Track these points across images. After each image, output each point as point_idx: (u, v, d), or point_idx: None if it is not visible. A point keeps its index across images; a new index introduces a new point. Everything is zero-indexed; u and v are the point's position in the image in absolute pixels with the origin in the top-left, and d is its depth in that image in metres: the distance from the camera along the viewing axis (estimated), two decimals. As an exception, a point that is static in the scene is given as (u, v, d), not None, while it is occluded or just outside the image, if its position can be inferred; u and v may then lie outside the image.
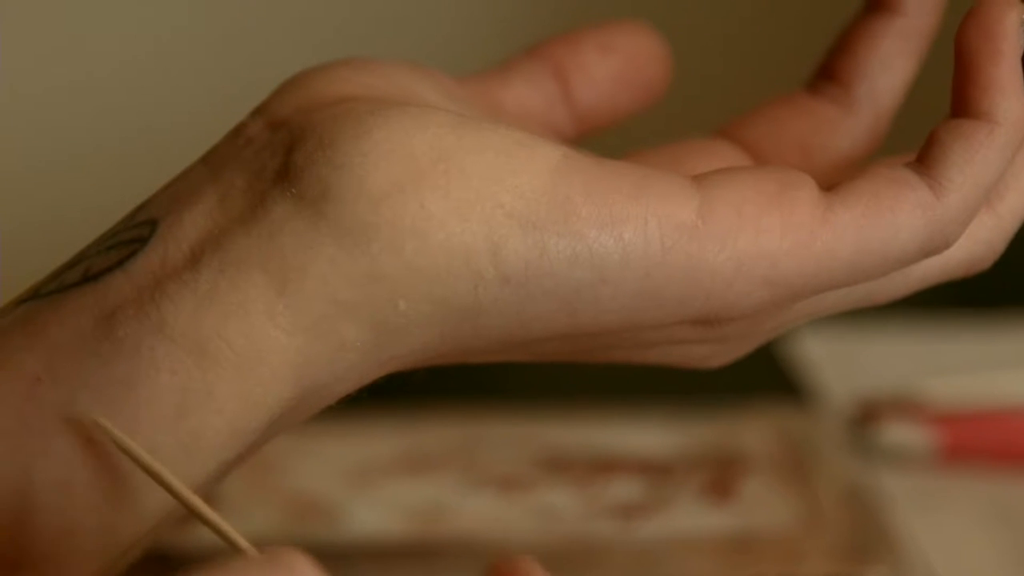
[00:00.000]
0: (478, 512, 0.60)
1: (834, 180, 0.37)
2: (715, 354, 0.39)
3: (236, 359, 0.33)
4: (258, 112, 0.37)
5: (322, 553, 0.59)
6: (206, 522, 0.31)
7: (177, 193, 0.35)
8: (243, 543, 0.31)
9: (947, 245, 0.37)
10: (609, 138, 0.44)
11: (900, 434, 0.65)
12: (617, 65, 0.42)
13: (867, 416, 0.66)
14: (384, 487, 0.61)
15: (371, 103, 0.35)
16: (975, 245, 0.38)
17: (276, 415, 0.34)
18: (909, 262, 0.37)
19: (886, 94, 0.42)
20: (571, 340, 0.36)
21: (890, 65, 0.41)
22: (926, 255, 0.37)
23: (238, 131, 0.36)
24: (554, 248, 0.34)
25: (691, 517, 0.60)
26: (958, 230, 0.37)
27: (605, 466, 0.62)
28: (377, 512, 0.59)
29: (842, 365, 0.69)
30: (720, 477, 0.62)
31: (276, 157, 0.35)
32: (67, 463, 0.33)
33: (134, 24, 0.84)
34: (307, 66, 0.38)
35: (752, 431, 0.64)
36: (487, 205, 0.34)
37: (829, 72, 0.42)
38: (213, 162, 0.36)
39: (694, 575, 0.58)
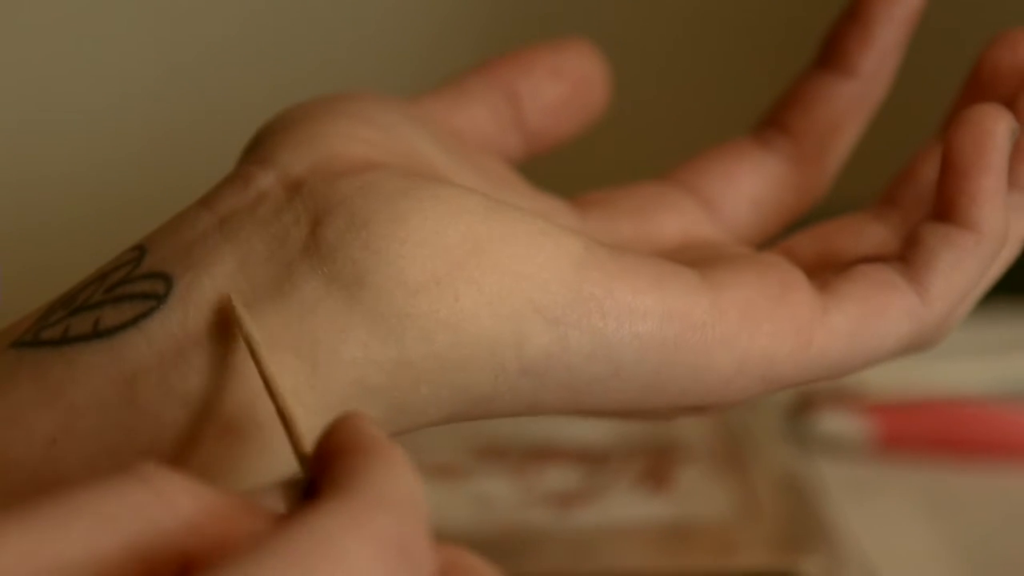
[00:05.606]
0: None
1: (779, 230, 0.40)
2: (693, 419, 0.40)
3: (260, 435, 0.33)
4: (265, 162, 0.36)
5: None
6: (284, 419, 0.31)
7: (187, 246, 0.34)
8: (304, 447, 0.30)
9: (928, 347, 0.39)
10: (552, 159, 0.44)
11: (836, 423, 0.65)
12: (566, 90, 0.43)
13: (803, 405, 0.66)
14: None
15: (396, 178, 0.35)
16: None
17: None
18: (890, 360, 0.39)
19: (835, 154, 0.43)
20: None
21: (842, 127, 0.43)
22: (907, 354, 0.39)
23: (245, 180, 0.35)
24: (575, 343, 0.35)
25: (627, 506, 0.59)
26: (941, 334, 0.38)
27: (541, 454, 0.62)
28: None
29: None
30: (656, 466, 0.62)
31: (300, 226, 0.34)
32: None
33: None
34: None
35: (688, 420, 0.64)
36: (517, 300, 0.34)
37: (781, 125, 0.43)
38: (220, 211, 0.35)
39: (629, 564, 0.57)
